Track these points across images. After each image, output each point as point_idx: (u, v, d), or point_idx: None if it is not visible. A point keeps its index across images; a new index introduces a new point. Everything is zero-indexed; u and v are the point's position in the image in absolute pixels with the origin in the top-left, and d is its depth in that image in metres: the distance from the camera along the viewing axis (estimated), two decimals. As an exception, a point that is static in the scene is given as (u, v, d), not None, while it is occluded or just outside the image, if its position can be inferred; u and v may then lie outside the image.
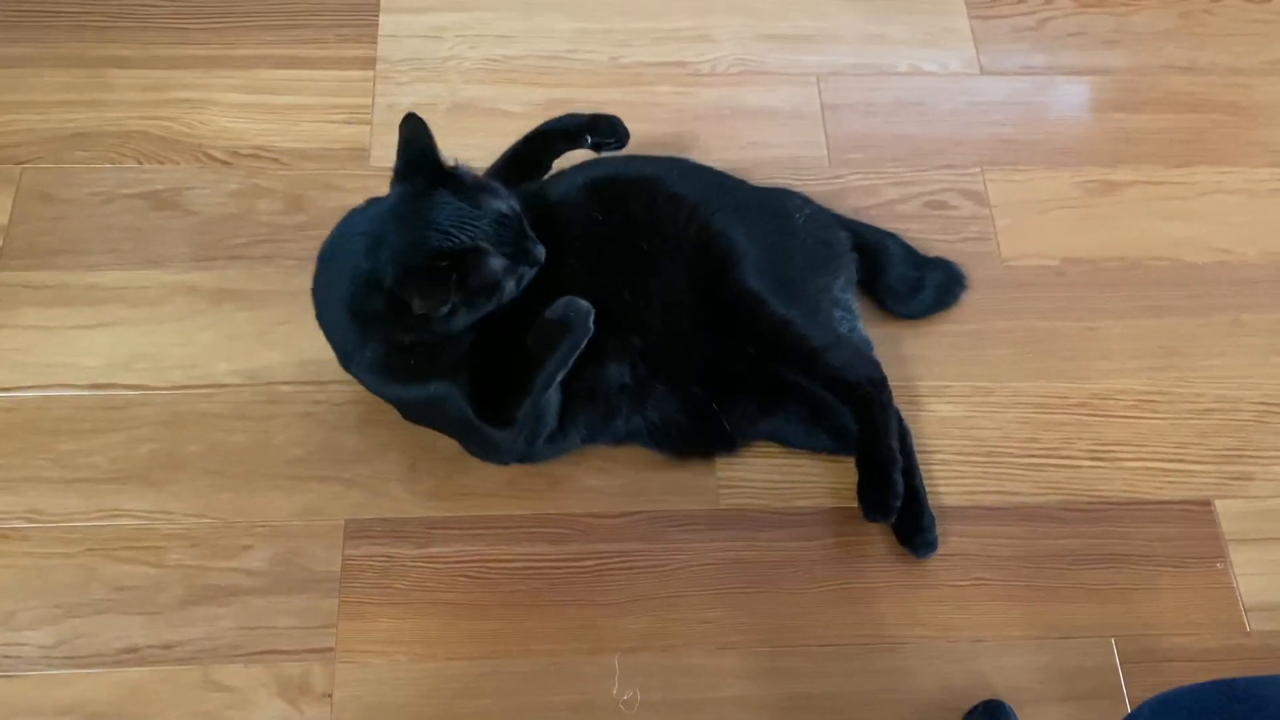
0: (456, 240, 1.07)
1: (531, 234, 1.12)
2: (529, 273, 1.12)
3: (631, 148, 1.48)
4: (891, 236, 1.39)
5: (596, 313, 1.14)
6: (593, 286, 1.16)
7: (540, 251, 1.12)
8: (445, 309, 1.07)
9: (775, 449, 1.29)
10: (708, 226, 1.22)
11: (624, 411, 1.23)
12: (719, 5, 1.63)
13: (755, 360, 1.21)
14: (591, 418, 1.22)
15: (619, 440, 1.26)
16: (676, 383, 1.22)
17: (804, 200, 1.35)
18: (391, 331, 1.11)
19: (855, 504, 1.24)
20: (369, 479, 1.25)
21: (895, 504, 1.20)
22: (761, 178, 1.47)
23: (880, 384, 1.22)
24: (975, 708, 1.14)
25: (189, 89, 1.50)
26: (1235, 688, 0.72)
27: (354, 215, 1.15)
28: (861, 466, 1.22)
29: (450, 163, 1.13)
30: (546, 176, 1.30)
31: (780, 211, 1.31)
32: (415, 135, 1.12)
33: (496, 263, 1.08)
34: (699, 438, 1.25)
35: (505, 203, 1.12)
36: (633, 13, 1.61)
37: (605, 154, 1.31)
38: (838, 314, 1.26)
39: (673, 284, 1.21)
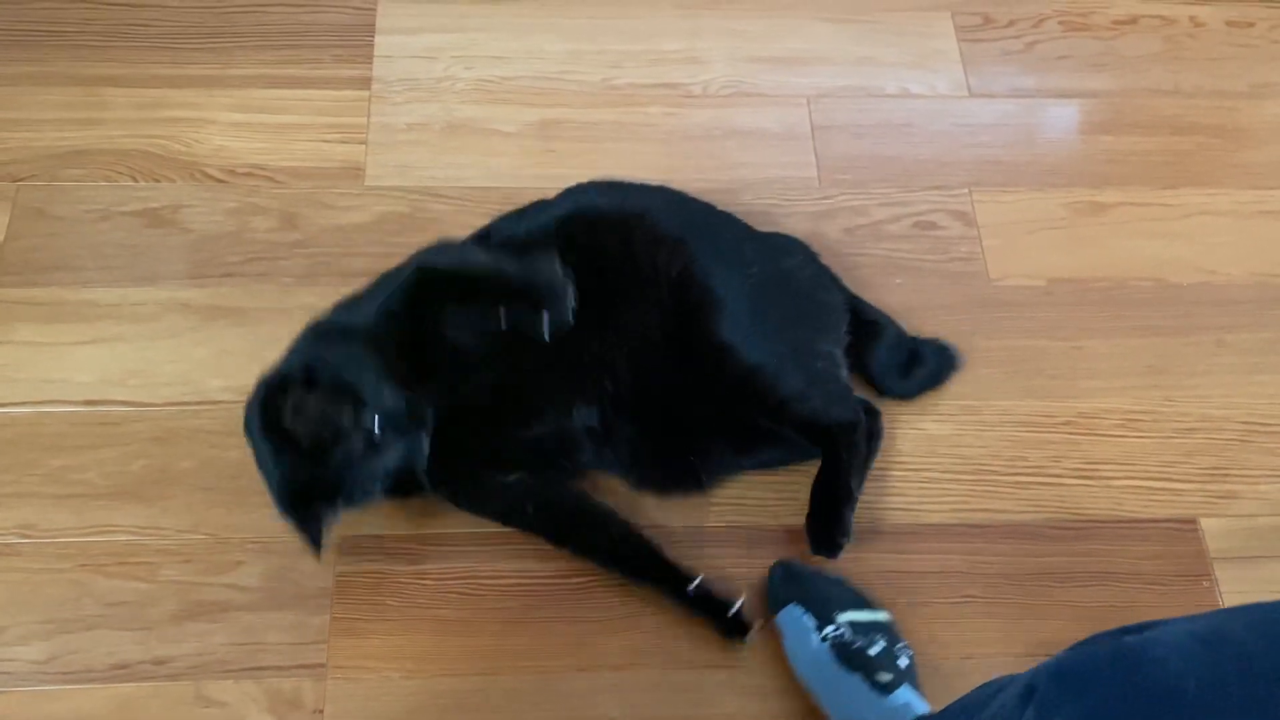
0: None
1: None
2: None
3: (624, 169, 1.51)
4: (886, 318, 1.36)
5: (567, 358, 1.16)
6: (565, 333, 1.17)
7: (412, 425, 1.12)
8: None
9: (765, 466, 1.30)
10: (688, 269, 1.22)
11: (589, 451, 1.23)
12: (710, 27, 1.65)
13: (726, 406, 1.22)
14: (556, 458, 1.22)
15: (584, 468, 1.26)
16: (647, 429, 1.22)
17: (807, 258, 1.33)
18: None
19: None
20: (361, 495, 1.26)
21: (843, 541, 1.19)
22: (752, 198, 1.49)
23: (849, 427, 1.21)
24: (773, 590, 1.20)
25: (185, 108, 1.51)
26: (1121, 649, 0.73)
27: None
28: (815, 500, 1.21)
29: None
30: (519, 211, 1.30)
31: (773, 259, 1.29)
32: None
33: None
34: (667, 480, 1.26)
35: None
36: (625, 34, 1.63)
37: (590, 182, 1.32)
38: (818, 365, 1.24)
39: (648, 329, 1.21)
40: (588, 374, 1.19)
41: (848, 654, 1.13)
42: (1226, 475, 1.33)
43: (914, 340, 1.36)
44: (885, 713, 1.10)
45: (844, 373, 1.27)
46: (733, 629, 1.17)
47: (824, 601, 1.17)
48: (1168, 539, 1.29)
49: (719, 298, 1.21)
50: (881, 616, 1.18)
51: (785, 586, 1.19)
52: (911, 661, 1.15)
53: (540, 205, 1.29)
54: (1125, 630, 0.77)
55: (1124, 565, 1.27)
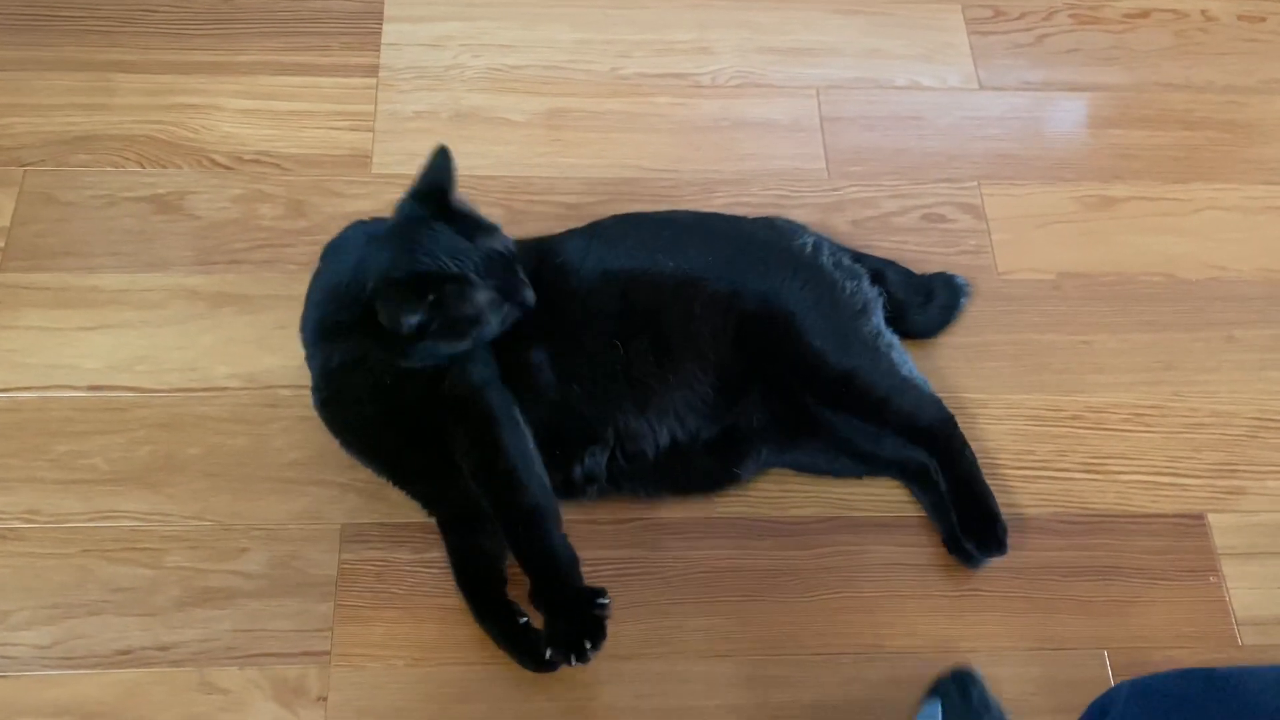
0: (445, 267, 1.08)
1: (523, 276, 1.13)
2: (515, 313, 1.12)
3: (632, 159, 1.51)
4: (889, 264, 1.38)
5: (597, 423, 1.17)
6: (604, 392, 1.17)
7: (529, 295, 1.13)
8: (412, 322, 1.06)
9: (771, 458, 1.30)
10: (758, 310, 1.20)
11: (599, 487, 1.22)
12: (719, 18, 1.64)
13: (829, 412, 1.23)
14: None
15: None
16: (676, 461, 1.22)
17: (807, 235, 1.31)
18: (356, 344, 1.10)
19: (845, 513, 1.26)
20: (366, 483, 1.25)
21: (1004, 535, 1.21)
22: (760, 190, 1.49)
23: (952, 422, 1.24)
24: (943, 677, 1.13)
25: (193, 94, 1.51)
26: (1214, 676, 0.73)
27: (354, 229, 1.16)
28: (958, 508, 1.22)
29: (460, 204, 1.14)
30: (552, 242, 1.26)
31: (788, 249, 1.28)
32: (438, 167, 1.15)
33: (482, 295, 1.09)
34: (698, 486, 1.26)
35: (500, 243, 1.14)
36: (634, 24, 1.63)
37: (613, 218, 1.29)
38: (893, 355, 1.26)
39: (698, 386, 1.20)
40: (602, 431, 1.18)
41: None
42: (1235, 471, 1.33)
43: (920, 278, 1.38)
44: None
45: (911, 361, 1.28)
46: (542, 665, 1.13)
47: None
48: (1175, 534, 1.28)
49: (791, 315, 1.21)
50: None
51: (950, 687, 1.12)
52: None
53: (555, 246, 1.25)
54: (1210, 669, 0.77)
55: (1131, 560, 1.27)
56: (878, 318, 1.27)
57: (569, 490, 1.19)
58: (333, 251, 1.15)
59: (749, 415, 1.22)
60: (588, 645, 1.06)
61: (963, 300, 1.39)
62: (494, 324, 1.11)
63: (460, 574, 1.19)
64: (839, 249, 1.32)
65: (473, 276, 1.09)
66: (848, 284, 1.26)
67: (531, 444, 1.12)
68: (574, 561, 1.10)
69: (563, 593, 1.09)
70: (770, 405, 1.23)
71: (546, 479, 1.12)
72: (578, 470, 1.18)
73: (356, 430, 1.17)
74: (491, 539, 1.17)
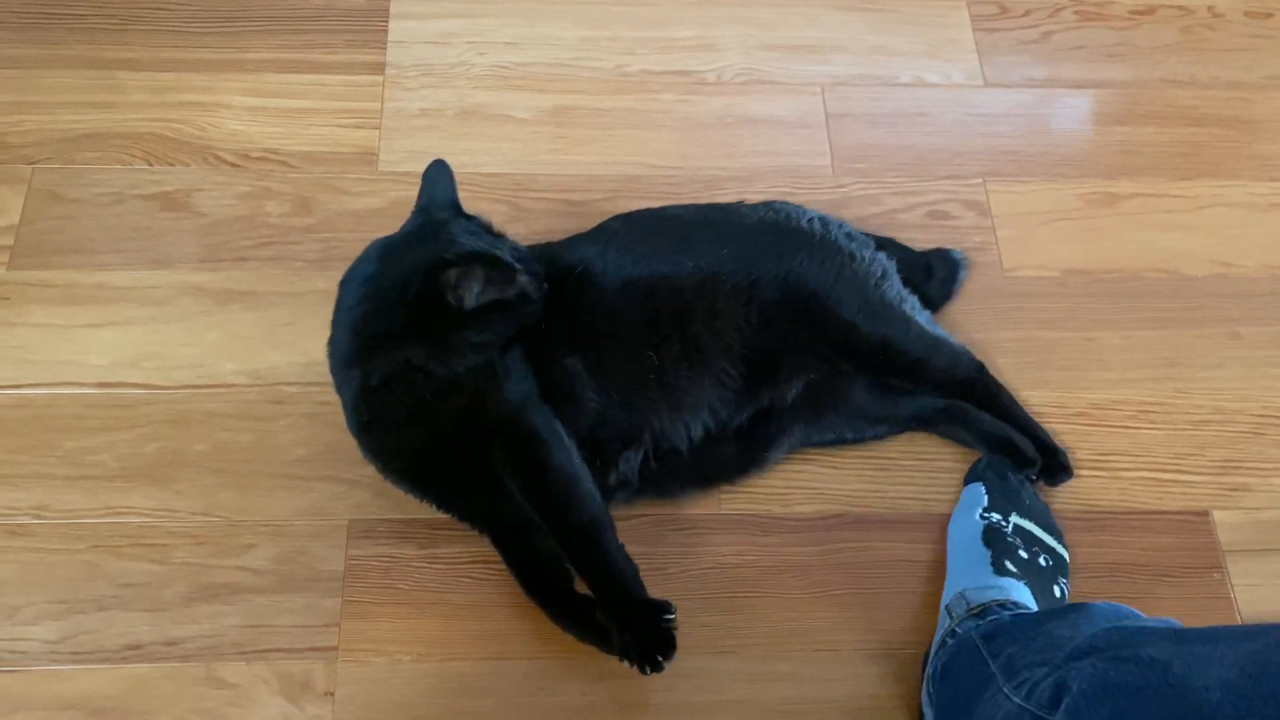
0: (486, 249, 1.10)
1: (537, 269, 1.15)
2: (538, 307, 1.13)
3: (637, 156, 1.51)
4: (888, 240, 1.39)
5: (623, 428, 1.17)
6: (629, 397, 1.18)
7: (544, 286, 1.14)
8: (476, 292, 1.07)
9: (775, 454, 1.30)
10: (787, 289, 1.22)
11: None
12: (724, 15, 1.65)
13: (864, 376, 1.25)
14: None
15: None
16: (703, 456, 1.23)
17: (812, 214, 1.32)
18: (401, 352, 1.10)
19: (852, 509, 1.27)
20: (373, 479, 1.25)
21: (1067, 460, 1.27)
22: (765, 187, 1.49)
23: (985, 370, 1.30)
24: (978, 465, 1.25)
25: (199, 92, 1.51)
26: (1171, 669, 0.73)
27: (370, 248, 1.16)
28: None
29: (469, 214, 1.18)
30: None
31: (818, 239, 1.27)
32: (441, 179, 1.17)
33: (523, 278, 1.11)
34: (726, 475, 1.27)
35: (513, 243, 1.17)
36: (639, 21, 1.63)
37: (618, 217, 1.29)
38: (920, 318, 1.28)
39: (730, 375, 1.20)
40: (639, 435, 1.19)
41: (992, 535, 1.16)
42: (1239, 467, 1.33)
43: (918, 254, 1.39)
44: (980, 586, 1.10)
45: (928, 314, 1.31)
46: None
47: (1011, 499, 1.20)
48: (1179, 531, 1.28)
49: (816, 293, 1.22)
50: (1060, 549, 1.19)
51: (988, 471, 1.24)
52: (1062, 593, 1.15)
53: (575, 244, 1.25)
54: (1172, 635, 0.76)
55: (1135, 557, 1.27)
56: (898, 281, 1.29)
57: (601, 495, 1.18)
58: (355, 273, 1.14)
59: (779, 395, 1.23)
60: (660, 658, 1.07)
61: (961, 274, 1.40)
62: (533, 310, 1.12)
63: (525, 582, 1.18)
64: (842, 222, 1.33)
65: (511, 259, 1.11)
66: (864, 253, 1.28)
67: (578, 458, 1.12)
68: (635, 571, 1.11)
69: (629, 606, 1.10)
70: (800, 379, 1.23)
71: (597, 492, 1.12)
72: (613, 476, 1.18)
73: (399, 454, 1.16)
74: (545, 540, 1.16)
